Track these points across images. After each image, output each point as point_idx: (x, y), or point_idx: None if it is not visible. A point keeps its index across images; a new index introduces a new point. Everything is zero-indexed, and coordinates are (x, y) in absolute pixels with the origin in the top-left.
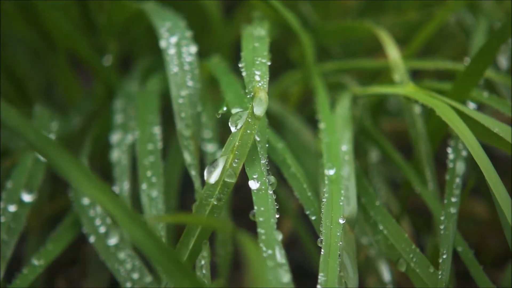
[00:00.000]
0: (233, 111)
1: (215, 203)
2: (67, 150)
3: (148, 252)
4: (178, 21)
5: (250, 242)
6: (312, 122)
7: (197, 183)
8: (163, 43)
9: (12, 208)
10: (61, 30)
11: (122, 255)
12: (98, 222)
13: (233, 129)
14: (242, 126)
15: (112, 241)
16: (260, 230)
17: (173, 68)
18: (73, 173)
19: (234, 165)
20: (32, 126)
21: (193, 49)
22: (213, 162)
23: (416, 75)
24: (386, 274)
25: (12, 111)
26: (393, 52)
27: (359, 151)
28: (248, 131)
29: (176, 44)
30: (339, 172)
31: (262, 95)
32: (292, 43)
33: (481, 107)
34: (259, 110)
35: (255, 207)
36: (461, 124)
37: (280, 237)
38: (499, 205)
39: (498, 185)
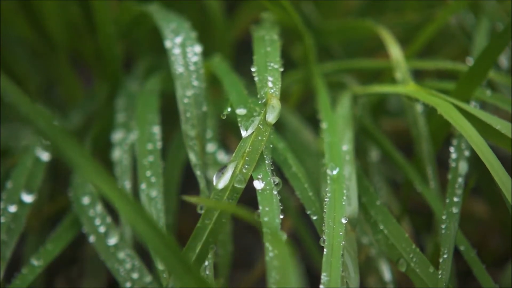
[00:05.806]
0: (237, 111)
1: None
2: (76, 140)
3: (155, 251)
4: (183, 22)
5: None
6: (312, 122)
7: (202, 184)
8: (168, 44)
9: (12, 208)
10: (63, 30)
11: (121, 255)
12: (98, 221)
13: (243, 133)
14: (253, 132)
15: (112, 241)
16: (265, 230)
17: (178, 68)
18: (81, 163)
19: (244, 170)
20: (43, 113)
21: (198, 49)
22: (222, 168)
23: (416, 77)
24: (386, 274)
25: (25, 97)
26: (395, 51)
27: (359, 151)
28: (259, 138)
29: (181, 45)
30: (341, 171)
31: (275, 102)
32: (292, 42)
33: (482, 107)
34: (271, 117)
35: (260, 207)
36: (463, 122)
37: (284, 237)
38: (505, 197)
39: (504, 177)
